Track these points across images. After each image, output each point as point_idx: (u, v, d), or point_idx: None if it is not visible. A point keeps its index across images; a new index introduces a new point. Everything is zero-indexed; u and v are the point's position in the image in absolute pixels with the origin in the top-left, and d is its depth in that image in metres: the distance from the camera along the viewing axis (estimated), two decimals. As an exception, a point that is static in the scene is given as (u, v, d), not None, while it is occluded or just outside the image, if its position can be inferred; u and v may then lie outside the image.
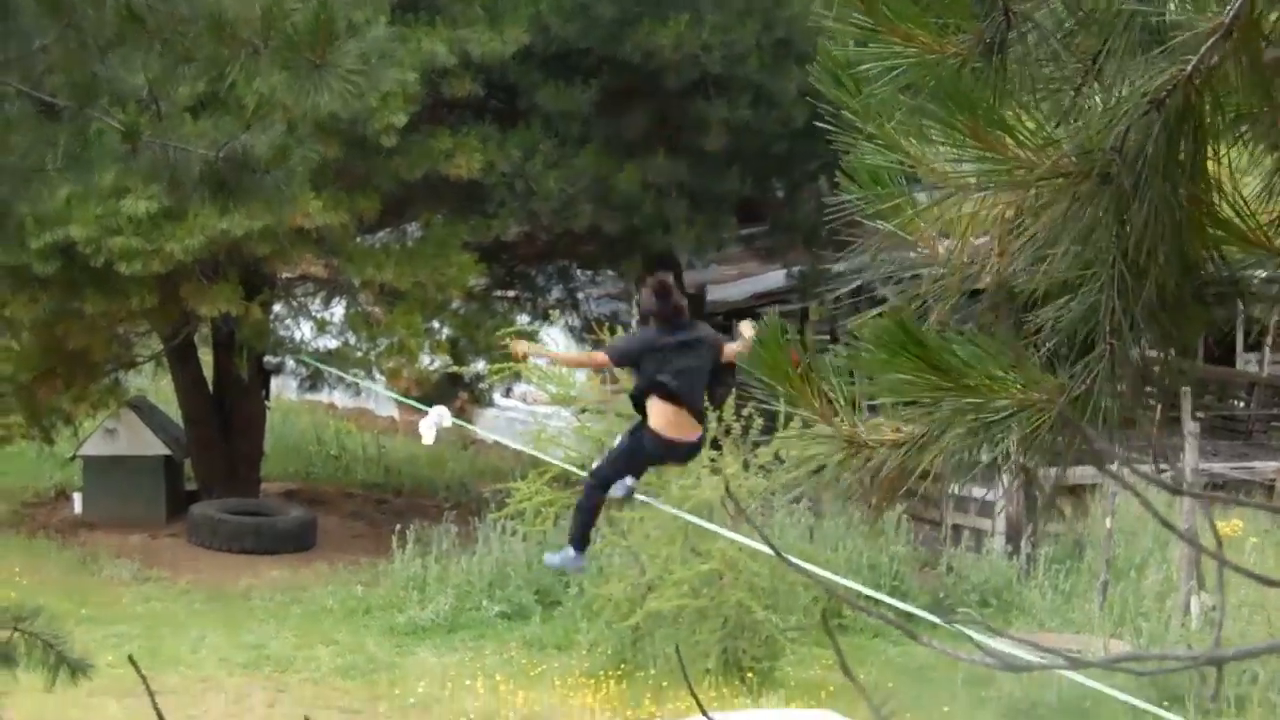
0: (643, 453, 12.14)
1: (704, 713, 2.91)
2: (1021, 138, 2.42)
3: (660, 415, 11.79)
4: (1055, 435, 2.59)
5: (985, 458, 2.68)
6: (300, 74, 4.68)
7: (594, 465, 12.66)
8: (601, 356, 12.15)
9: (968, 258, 2.78)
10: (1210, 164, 2.49)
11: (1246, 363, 30.21)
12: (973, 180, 2.57)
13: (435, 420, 15.74)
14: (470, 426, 18.53)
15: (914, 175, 2.74)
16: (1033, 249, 2.58)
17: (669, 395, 11.72)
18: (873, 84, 2.61)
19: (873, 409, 2.87)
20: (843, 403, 2.84)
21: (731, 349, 11.98)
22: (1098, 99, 2.53)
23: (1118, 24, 2.45)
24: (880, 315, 2.68)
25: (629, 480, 12.47)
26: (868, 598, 19.22)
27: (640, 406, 11.99)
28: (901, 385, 2.59)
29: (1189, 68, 2.36)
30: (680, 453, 12.10)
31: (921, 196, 2.83)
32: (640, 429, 12.04)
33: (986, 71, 2.53)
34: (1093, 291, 2.50)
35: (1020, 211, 2.60)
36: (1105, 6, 2.46)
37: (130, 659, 2.85)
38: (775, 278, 29.64)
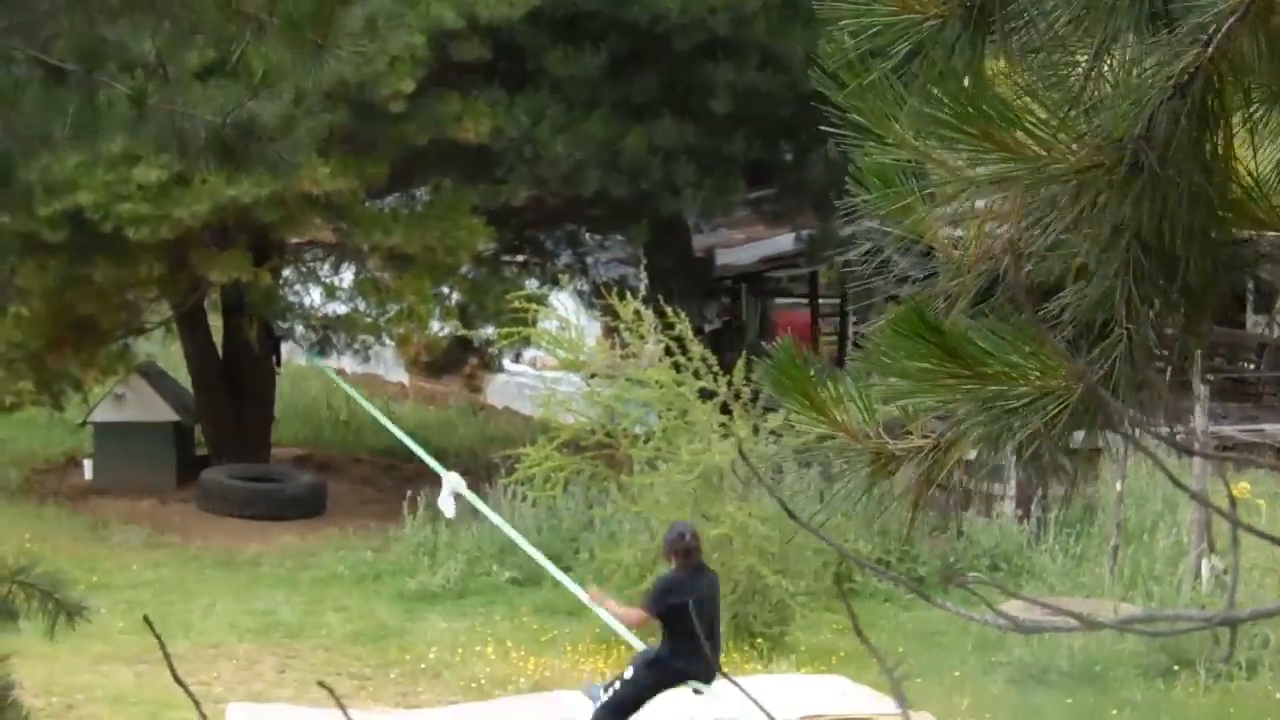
0: (665, 681, 12.54)
1: (723, 674, 2.89)
2: (1033, 129, 2.38)
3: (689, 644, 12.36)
4: (1077, 419, 2.56)
5: (1009, 448, 2.66)
6: (304, 53, 4.66)
7: (605, 697, 12.80)
8: (639, 615, 13.16)
9: (982, 251, 2.74)
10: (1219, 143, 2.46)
11: (1256, 325, 30.14)
12: (990, 183, 2.53)
13: (450, 490, 15.92)
14: (479, 503, 18.58)
15: (922, 173, 2.70)
16: (1049, 236, 2.53)
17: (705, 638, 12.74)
18: (850, 42, 2.57)
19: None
20: (865, 415, 2.80)
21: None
22: (1106, 76, 2.49)
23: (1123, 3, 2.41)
24: (897, 306, 2.65)
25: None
26: (880, 561, 19.24)
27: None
28: (920, 375, 2.55)
29: (1210, 49, 2.31)
30: (702, 667, 12.42)
31: (933, 188, 2.79)
32: (659, 658, 12.58)
33: (965, 34, 2.49)
34: (1107, 276, 2.47)
35: (1036, 201, 2.55)
36: None
37: (146, 619, 2.84)
38: (784, 241, 29.58)
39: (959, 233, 2.83)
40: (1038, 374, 2.51)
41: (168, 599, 19.60)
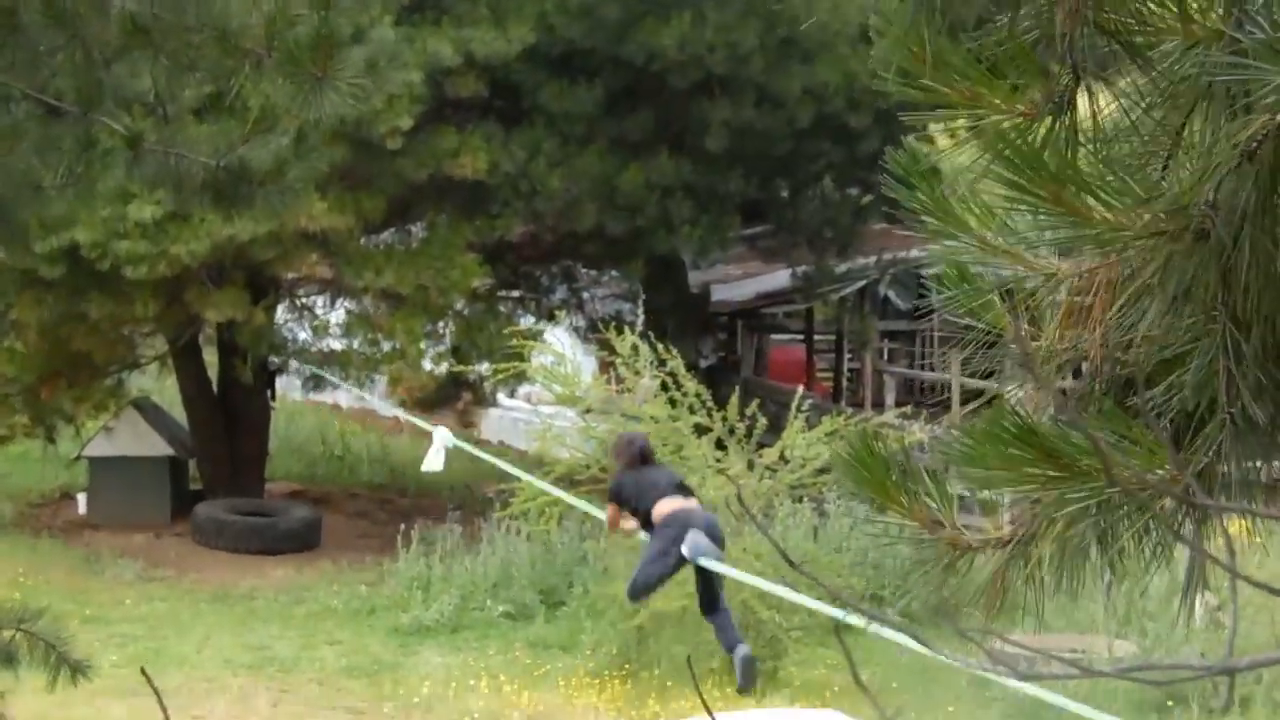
0: (670, 545, 12.62)
1: (709, 713, 2.92)
2: (1106, 197, 2.40)
3: (666, 505, 12.68)
4: (1184, 514, 2.57)
5: (1095, 550, 2.68)
6: (303, 86, 4.69)
7: (630, 584, 13.38)
8: (612, 508, 13.33)
9: (1065, 345, 2.75)
10: None
11: None
12: (1057, 259, 2.56)
13: (441, 444, 15.80)
14: (471, 448, 18.49)
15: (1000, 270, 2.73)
16: (1134, 318, 2.55)
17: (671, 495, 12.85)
18: (943, 154, 2.62)
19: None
20: (941, 504, 2.83)
21: None
22: (1184, 166, 2.52)
23: (1204, 92, 2.44)
24: (987, 408, 2.66)
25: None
26: (874, 597, 19.22)
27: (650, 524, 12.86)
28: (1015, 478, 2.57)
29: (1279, 116, 2.34)
30: (696, 519, 12.62)
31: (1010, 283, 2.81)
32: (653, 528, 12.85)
33: (1055, 130, 2.53)
34: (1204, 360, 2.48)
35: (1115, 285, 2.57)
36: (1190, 80, 2.46)
37: (143, 671, 2.86)
38: (779, 278, 29.64)
39: (1043, 340, 2.83)
40: (1137, 469, 2.51)
41: (161, 633, 19.58)
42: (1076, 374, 2.78)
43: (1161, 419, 2.57)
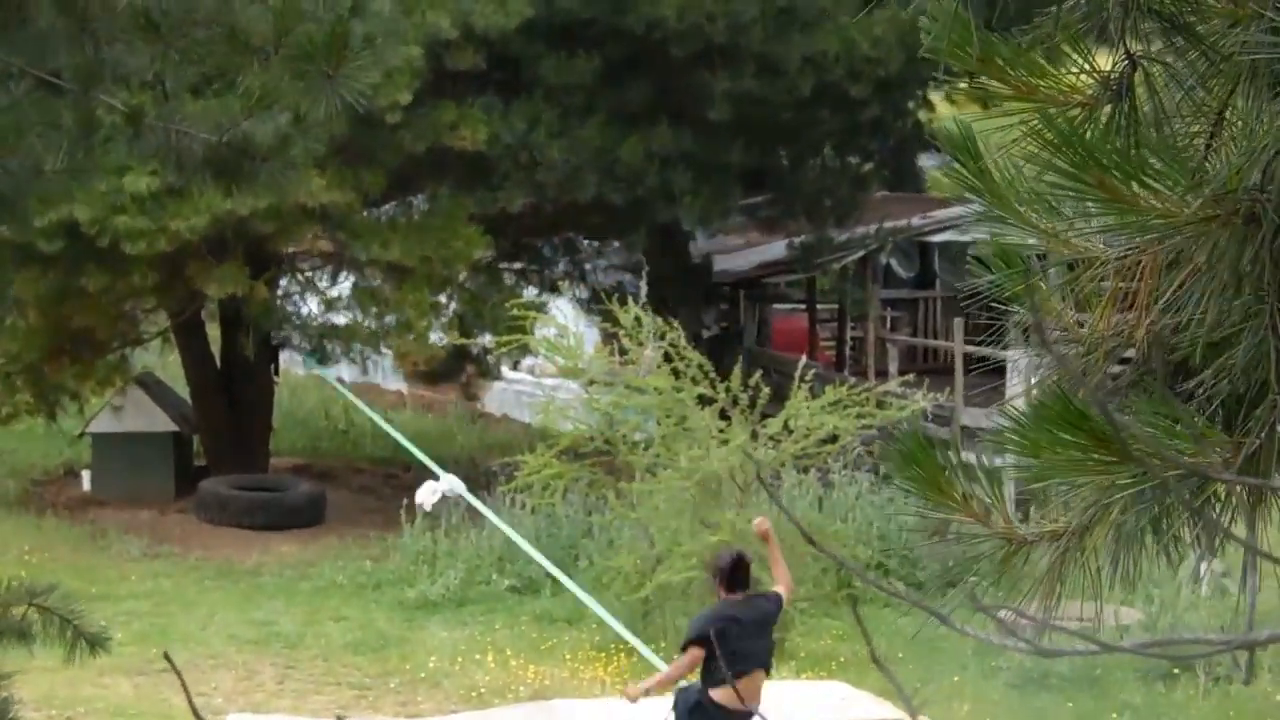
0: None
1: (732, 684, 2.90)
2: (1153, 184, 2.38)
3: (737, 691, 10.85)
4: (1238, 495, 2.54)
5: (1150, 537, 2.65)
6: (313, 84, 4.65)
7: None
8: (696, 652, 11.03)
9: (1111, 330, 2.72)
10: None
11: None
12: (1103, 243, 2.53)
13: (444, 488, 15.70)
14: (478, 502, 18.55)
15: (1045, 253, 2.70)
16: (1184, 304, 2.52)
17: (749, 671, 11.18)
18: (994, 149, 2.60)
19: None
20: (994, 498, 2.81)
21: (784, 592, 11.62)
22: (1230, 147, 2.51)
23: (1247, 69, 2.42)
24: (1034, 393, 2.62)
25: None
26: (879, 566, 19.21)
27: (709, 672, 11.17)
28: (1066, 465, 2.53)
29: None
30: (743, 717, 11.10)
31: (1053, 274, 2.79)
32: (701, 701, 11.08)
33: (1116, 117, 2.51)
34: (1254, 340, 2.46)
35: (1160, 269, 2.54)
36: (1235, 53, 2.44)
37: (166, 656, 2.84)
38: (780, 248, 29.59)
39: (1087, 327, 2.80)
40: (1189, 451, 2.47)
41: (167, 609, 19.59)
42: (1125, 360, 2.75)
43: (1211, 403, 2.54)
